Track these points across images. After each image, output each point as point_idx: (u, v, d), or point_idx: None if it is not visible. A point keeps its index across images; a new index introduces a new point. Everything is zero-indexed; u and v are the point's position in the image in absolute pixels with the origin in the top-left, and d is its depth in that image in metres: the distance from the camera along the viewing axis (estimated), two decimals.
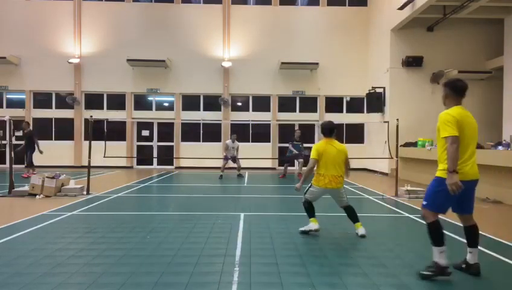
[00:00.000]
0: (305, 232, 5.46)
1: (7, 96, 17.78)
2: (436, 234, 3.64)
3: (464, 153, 3.58)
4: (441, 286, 3.58)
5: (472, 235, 3.79)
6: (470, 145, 3.62)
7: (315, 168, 5.42)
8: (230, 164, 13.97)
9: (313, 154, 5.37)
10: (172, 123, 17.66)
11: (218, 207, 7.73)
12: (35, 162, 13.12)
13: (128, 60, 16.89)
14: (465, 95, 3.73)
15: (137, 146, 17.98)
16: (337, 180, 5.31)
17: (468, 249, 3.82)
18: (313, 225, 5.44)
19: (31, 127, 13.47)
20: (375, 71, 16.35)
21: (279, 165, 18.00)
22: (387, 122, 11.55)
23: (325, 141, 5.45)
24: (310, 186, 5.54)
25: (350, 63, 17.54)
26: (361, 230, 5.38)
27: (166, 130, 17.94)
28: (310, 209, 5.52)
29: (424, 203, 3.79)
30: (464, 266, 3.84)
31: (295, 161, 14.16)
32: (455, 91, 3.71)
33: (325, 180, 5.30)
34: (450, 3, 12.28)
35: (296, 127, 17.83)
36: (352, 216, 5.50)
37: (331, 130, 5.49)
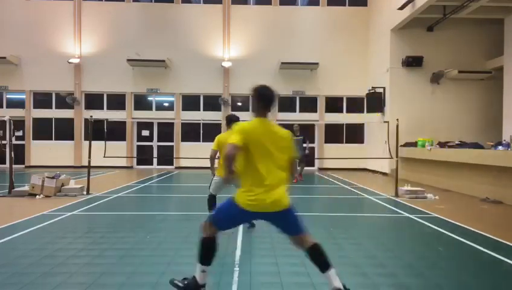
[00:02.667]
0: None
1: (7, 96, 17.77)
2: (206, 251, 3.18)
3: (255, 178, 2.99)
4: (441, 287, 3.58)
5: (317, 257, 3.14)
6: (263, 166, 2.98)
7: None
8: None
9: None
10: (172, 123, 17.66)
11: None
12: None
13: (128, 60, 16.89)
14: (271, 106, 3.12)
15: (137, 146, 17.97)
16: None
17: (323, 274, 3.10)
18: None
19: None
20: (375, 71, 16.34)
21: None
22: (387, 122, 11.54)
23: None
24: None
25: (350, 63, 17.53)
26: None
27: (166, 130, 17.94)
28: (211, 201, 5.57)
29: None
30: None
31: None
32: (258, 100, 3.13)
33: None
34: (450, 3, 12.27)
35: (296, 127, 17.78)
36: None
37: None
